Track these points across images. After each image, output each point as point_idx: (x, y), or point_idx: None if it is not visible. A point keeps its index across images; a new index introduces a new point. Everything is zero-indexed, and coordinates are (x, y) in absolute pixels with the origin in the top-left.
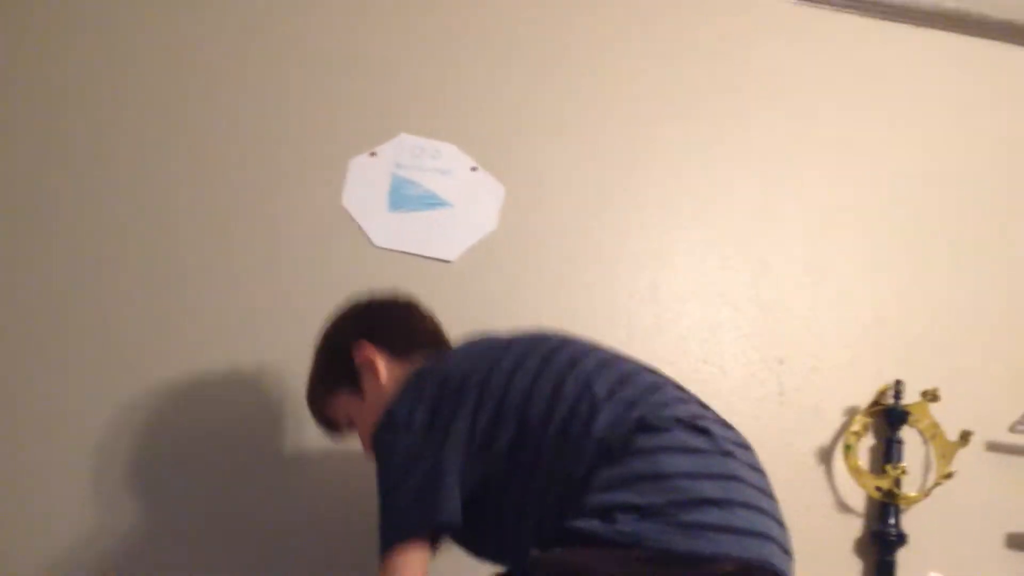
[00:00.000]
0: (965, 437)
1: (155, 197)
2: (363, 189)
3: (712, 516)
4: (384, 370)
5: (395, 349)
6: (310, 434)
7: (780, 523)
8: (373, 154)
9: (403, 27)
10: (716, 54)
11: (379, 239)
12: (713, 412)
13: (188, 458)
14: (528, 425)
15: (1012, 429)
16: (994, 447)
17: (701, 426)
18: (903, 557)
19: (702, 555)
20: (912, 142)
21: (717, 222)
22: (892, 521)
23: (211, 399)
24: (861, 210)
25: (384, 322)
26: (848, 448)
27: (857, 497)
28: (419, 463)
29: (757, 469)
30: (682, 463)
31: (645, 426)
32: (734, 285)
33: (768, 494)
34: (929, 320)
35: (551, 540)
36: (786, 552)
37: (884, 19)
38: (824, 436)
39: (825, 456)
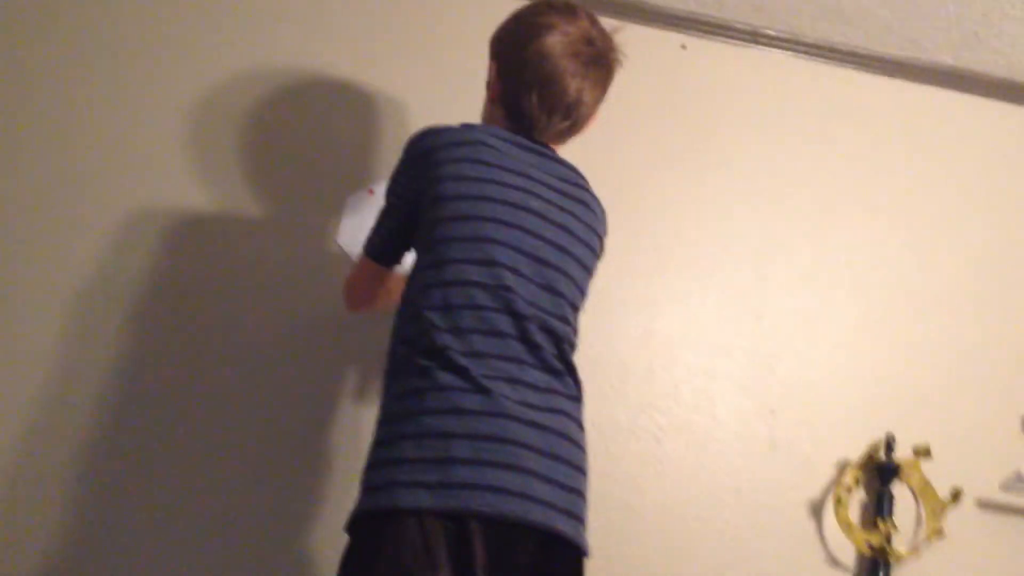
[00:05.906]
0: (956, 495)
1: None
2: (358, 224)
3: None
4: (489, 100)
5: (504, 91)
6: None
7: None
8: (371, 191)
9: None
10: (703, 105)
11: None
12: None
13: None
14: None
15: (1004, 487)
16: (985, 505)
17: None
18: None
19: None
20: (908, 196)
21: (712, 270)
22: None
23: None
24: (857, 264)
25: (516, 63)
26: (839, 502)
27: (847, 552)
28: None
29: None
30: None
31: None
32: (728, 334)
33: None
34: (922, 375)
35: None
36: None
37: (875, 73)
38: (815, 489)
39: (816, 510)
